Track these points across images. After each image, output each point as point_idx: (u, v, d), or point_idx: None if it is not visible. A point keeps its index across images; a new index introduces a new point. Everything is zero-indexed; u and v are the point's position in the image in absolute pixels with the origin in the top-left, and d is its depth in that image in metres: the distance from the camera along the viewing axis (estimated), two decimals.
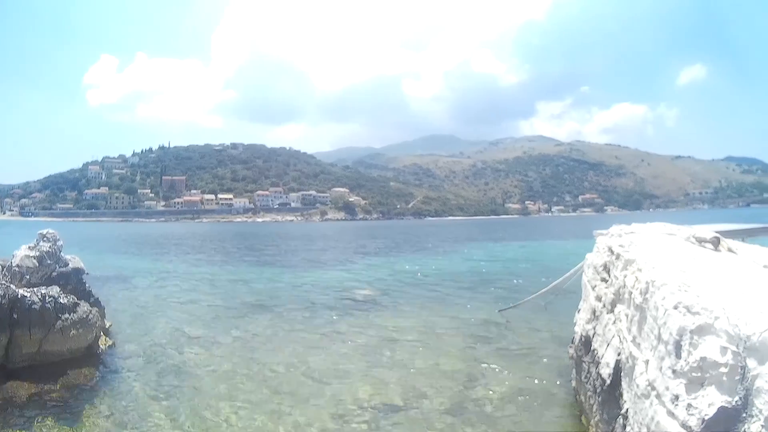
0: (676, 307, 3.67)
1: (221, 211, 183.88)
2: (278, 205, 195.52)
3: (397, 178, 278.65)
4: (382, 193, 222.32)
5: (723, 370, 3.13)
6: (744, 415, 3.06)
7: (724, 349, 3.15)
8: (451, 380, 8.43)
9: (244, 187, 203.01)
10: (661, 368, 3.75)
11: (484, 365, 9.24)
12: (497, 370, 8.97)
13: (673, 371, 3.53)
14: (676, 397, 3.44)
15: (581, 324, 7.15)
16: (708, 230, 6.89)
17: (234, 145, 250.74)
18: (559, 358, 9.05)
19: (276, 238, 59.85)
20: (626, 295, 5.13)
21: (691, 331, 3.40)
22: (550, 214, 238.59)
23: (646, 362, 4.13)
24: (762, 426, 2.89)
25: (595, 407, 5.95)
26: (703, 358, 3.25)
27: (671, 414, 3.49)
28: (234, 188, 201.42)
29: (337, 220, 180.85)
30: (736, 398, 3.11)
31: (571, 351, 7.67)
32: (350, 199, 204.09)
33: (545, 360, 9.49)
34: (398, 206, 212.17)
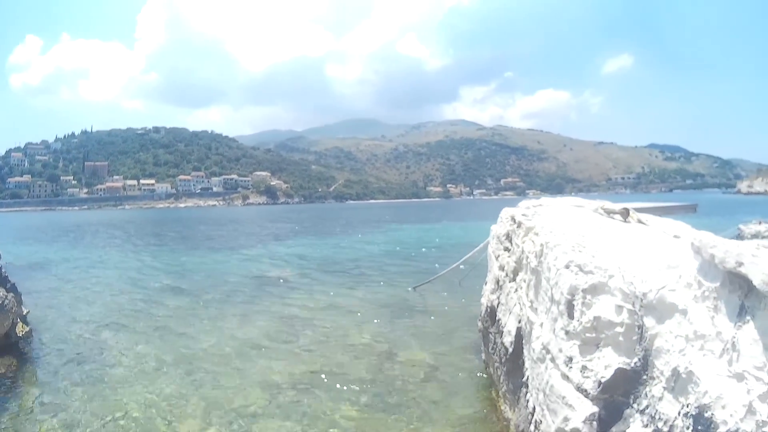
0: (567, 267, 3.51)
1: (143, 197, 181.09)
2: (200, 189, 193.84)
3: (318, 162, 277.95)
4: (303, 177, 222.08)
5: (619, 330, 2.98)
6: (644, 377, 2.92)
7: (619, 308, 3.00)
8: (365, 357, 8.39)
9: (166, 171, 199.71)
10: (554, 330, 3.60)
11: (399, 342, 9.20)
12: (411, 346, 8.95)
13: (566, 332, 3.37)
14: (570, 359, 3.28)
15: (487, 295, 7.09)
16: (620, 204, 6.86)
17: (156, 129, 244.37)
18: (472, 332, 9.06)
19: (196, 224, 58.74)
20: (524, 261, 4.99)
21: (584, 290, 3.24)
22: (471, 197, 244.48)
23: (542, 325, 3.96)
24: (664, 388, 2.74)
25: (501, 378, 5.86)
26: (597, 318, 3.09)
27: (566, 377, 3.34)
28: (156, 173, 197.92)
29: (259, 204, 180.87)
30: (635, 359, 2.97)
31: (480, 324, 7.58)
32: (272, 183, 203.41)
33: (458, 334, 9.51)
34: (320, 190, 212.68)
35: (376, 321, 10.70)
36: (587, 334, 3.18)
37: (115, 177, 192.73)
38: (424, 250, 24.75)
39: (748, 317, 2.38)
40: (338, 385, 7.16)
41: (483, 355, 7.59)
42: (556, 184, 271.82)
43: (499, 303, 6.24)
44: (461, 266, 13.06)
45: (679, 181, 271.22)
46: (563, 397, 3.30)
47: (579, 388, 3.17)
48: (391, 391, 6.93)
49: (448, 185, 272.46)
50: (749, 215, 23.08)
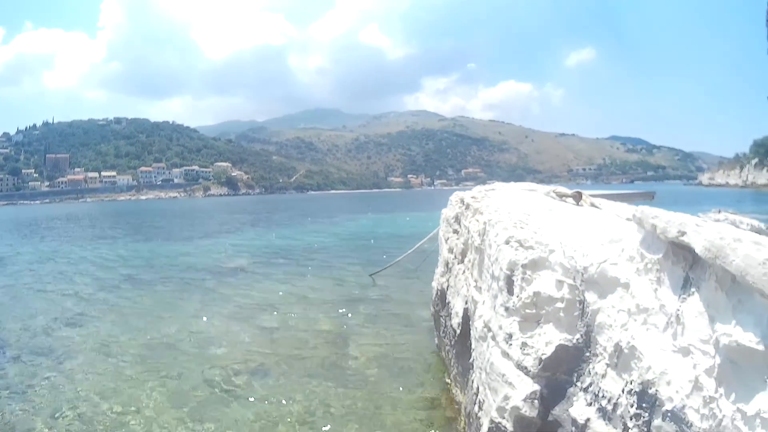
0: (507, 242, 3.39)
1: (105, 189, 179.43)
2: (161, 181, 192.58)
3: (279, 152, 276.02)
4: (264, 168, 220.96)
5: (559, 305, 2.85)
6: (587, 354, 2.79)
7: (559, 283, 2.87)
8: (322, 343, 8.39)
9: (128, 163, 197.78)
10: (494, 307, 3.47)
11: (355, 328, 9.21)
12: (367, 332, 8.95)
13: (506, 309, 3.23)
14: (510, 336, 3.14)
15: (437, 278, 7.02)
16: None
17: (118, 120, 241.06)
18: (428, 317, 9.01)
19: (156, 216, 57.90)
20: (470, 241, 4.87)
21: (524, 266, 3.11)
22: (432, 187, 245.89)
23: (484, 303, 3.83)
24: (607, 365, 2.61)
25: (453, 361, 5.79)
26: (536, 294, 2.96)
27: (506, 354, 3.20)
28: (118, 165, 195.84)
29: (220, 195, 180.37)
30: (577, 336, 2.84)
31: (432, 308, 7.51)
32: (233, 174, 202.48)
33: (414, 320, 9.52)
34: (281, 180, 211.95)
35: (333, 308, 10.66)
36: (527, 310, 3.05)
37: (77, 169, 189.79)
38: (382, 238, 24.72)
39: (693, 289, 2.26)
40: (295, 372, 7.12)
41: (436, 339, 7.54)
42: (517, 175, 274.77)
43: (448, 286, 6.14)
44: (419, 252, 13.02)
45: (641, 172, 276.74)
46: (503, 375, 3.17)
47: (519, 366, 3.03)
48: (346, 378, 6.91)
49: (409, 176, 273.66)
50: (709, 206, 23.68)
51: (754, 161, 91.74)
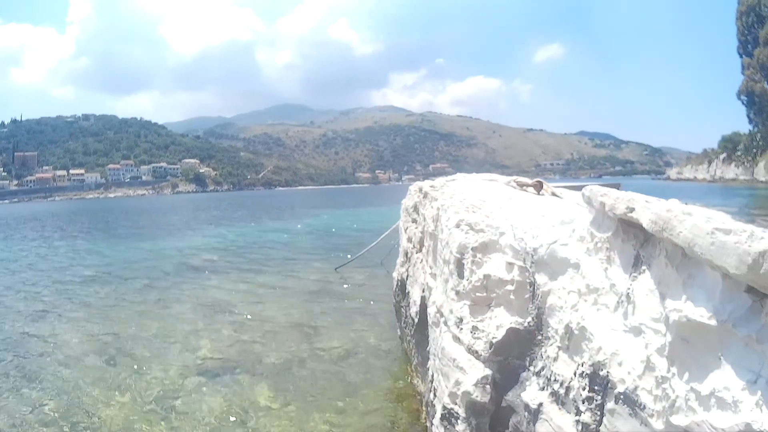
0: (458, 226, 3.31)
1: (73, 188, 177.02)
2: (129, 178, 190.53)
3: (247, 149, 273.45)
4: (232, 164, 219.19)
5: (510, 288, 2.76)
6: (539, 337, 2.71)
7: (510, 266, 2.79)
8: (288, 337, 8.38)
9: (96, 161, 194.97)
10: (446, 291, 3.36)
11: (320, 322, 9.18)
12: (333, 325, 8.95)
13: (457, 293, 3.15)
14: (461, 320, 3.06)
15: (397, 269, 6.96)
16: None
17: (86, 117, 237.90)
18: (392, 309, 8.98)
19: (123, 214, 56.83)
20: (426, 228, 4.80)
21: (474, 249, 3.03)
22: (400, 182, 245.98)
23: (437, 289, 3.75)
24: (558, 347, 2.53)
25: (413, 351, 5.73)
26: (486, 276, 2.87)
27: (457, 339, 3.12)
28: (86, 163, 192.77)
29: (189, 192, 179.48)
30: (528, 319, 2.76)
31: (393, 299, 7.46)
32: (201, 171, 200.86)
33: (380, 312, 9.52)
34: (249, 177, 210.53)
35: (299, 302, 10.64)
36: (477, 294, 2.96)
37: (45, 167, 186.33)
38: (348, 233, 24.71)
39: (644, 267, 2.18)
40: (259, 367, 7.10)
41: (399, 331, 7.51)
42: (485, 170, 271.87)
43: (408, 275, 6.09)
44: (385, 245, 13.03)
45: (609, 167, 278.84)
46: (454, 360, 3.09)
47: (470, 350, 2.95)
48: (311, 371, 6.92)
49: (377, 171, 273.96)
50: (676, 199, 24.03)
51: (722, 156, 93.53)
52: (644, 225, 2.03)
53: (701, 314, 1.83)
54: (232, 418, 5.57)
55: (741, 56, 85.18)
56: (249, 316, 9.70)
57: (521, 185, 5.83)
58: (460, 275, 3.14)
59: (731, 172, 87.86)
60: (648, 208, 2.06)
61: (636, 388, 2.05)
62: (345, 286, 12.10)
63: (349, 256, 15.34)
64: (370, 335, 8.29)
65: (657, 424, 1.95)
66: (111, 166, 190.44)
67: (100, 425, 5.52)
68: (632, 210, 2.15)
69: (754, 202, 37.86)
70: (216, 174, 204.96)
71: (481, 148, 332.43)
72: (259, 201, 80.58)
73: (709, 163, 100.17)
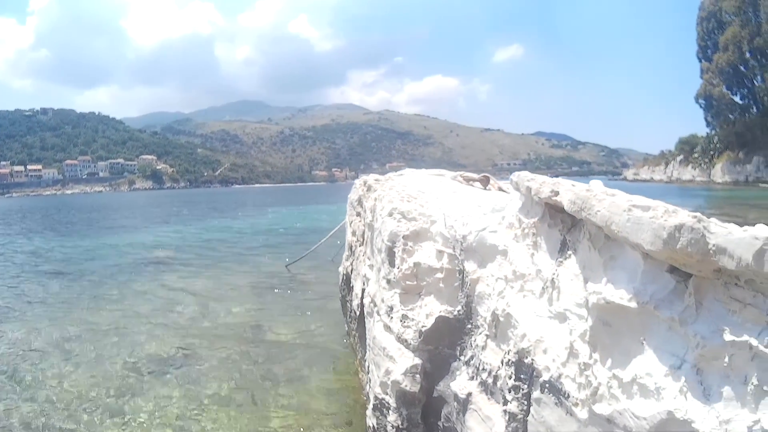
0: (390, 214, 3.26)
1: (30, 184, 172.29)
2: (87, 175, 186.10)
3: (204, 145, 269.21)
4: (189, 161, 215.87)
5: (439, 276, 2.72)
6: (469, 326, 2.65)
7: (440, 254, 2.74)
8: (236, 334, 8.29)
9: (53, 156, 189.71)
10: (378, 280, 3.30)
11: (269, 318, 9.12)
12: (282, 321, 8.89)
13: (388, 281, 3.10)
14: (391, 309, 3.02)
15: (342, 263, 6.91)
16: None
17: (44, 110, 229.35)
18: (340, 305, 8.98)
19: (79, 211, 54.96)
20: (366, 220, 4.75)
21: (405, 237, 2.99)
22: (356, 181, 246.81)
23: (372, 279, 3.70)
24: (486, 335, 2.47)
25: (357, 344, 5.68)
26: (417, 264, 2.83)
27: (387, 328, 3.08)
28: (43, 158, 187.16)
29: (145, 189, 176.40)
30: (458, 307, 2.71)
31: (339, 293, 7.42)
32: (158, 167, 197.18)
33: (329, 308, 9.44)
34: (205, 174, 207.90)
35: (248, 299, 10.60)
36: (407, 282, 2.91)
37: (3, 163, 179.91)
38: (300, 229, 24.67)
39: (570, 252, 2.14)
40: (207, 362, 7.01)
41: (346, 326, 7.44)
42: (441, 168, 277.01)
43: (352, 269, 6.03)
44: (335, 241, 12.96)
45: (566, 167, 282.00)
46: (384, 349, 3.03)
47: (400, 339, 2.90)
48: (259, 366, 6.87)
49: (334, 169, 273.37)
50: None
51: (679, 158, 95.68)
52: (565, 206, 1.99)
53: (621, 296, 1.80)
54: (179, 413, 5.52)
55: (700, 60, 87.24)
56: (200, 312, 9.64)
57: (468, 180, 5.81)
58: (392, 264, 3.09)
59: (688, 173, 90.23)
60: (572, 191, 2.02)
61: (560, 375, 2.01)
62: (295, 281, 12.07)
63: (301, 247, 15.23)
64: (318, 330, 8.29)
65: (581, 413, 1.90)
66: (68, 162, 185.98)
67: (57, 414, 5.48)
68: (557, 193, 2.10)
69: (710, 203, 39.12)
70: (173, 171, 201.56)
71: (438, 147, 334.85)
72: (215, 199, 79.68)
73: (666, 164, 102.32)
